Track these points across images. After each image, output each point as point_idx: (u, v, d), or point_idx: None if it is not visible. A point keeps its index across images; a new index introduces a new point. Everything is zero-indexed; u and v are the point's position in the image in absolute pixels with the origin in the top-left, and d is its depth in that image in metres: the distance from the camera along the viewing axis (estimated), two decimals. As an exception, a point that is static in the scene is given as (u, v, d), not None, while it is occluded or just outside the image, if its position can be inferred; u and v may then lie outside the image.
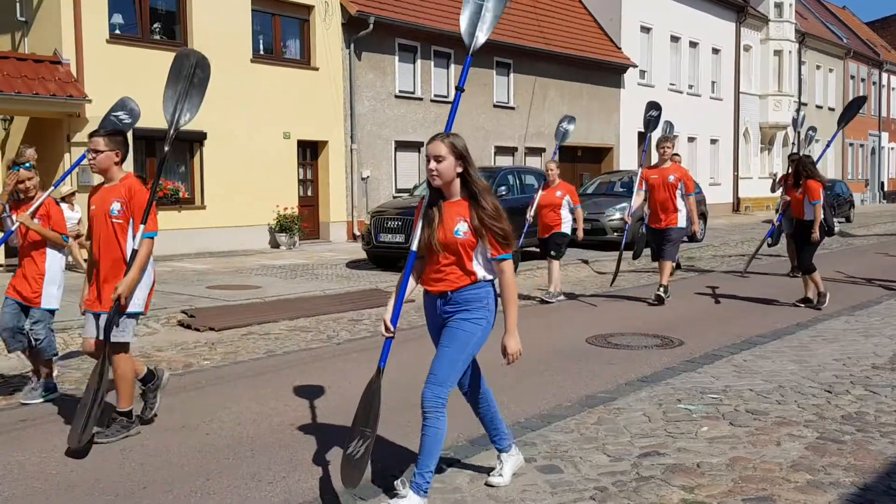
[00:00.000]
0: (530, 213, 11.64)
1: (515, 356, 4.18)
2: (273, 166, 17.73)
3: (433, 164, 4.13)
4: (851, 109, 12.71)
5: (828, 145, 13.91)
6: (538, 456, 4.89)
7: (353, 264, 14.87)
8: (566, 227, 11.26)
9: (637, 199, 10.91)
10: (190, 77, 5.74)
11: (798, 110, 13.41)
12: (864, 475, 4.50)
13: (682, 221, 10.62)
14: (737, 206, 34.74)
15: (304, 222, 18.34)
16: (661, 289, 10.76)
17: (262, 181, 17.45)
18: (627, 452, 4.92)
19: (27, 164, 6.50)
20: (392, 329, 4.28)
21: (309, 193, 19.29)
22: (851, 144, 45.18)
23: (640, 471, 4.62)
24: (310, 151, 19.19)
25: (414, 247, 4.23)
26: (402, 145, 20.81)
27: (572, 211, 11.26)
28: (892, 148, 47.80)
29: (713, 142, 33.38)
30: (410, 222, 13.83)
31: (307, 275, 13.37)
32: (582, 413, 5.77)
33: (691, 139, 32.06)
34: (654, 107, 11.70)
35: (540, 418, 5.67)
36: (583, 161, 27.12)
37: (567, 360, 7.58)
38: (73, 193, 13.62)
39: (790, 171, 11.65)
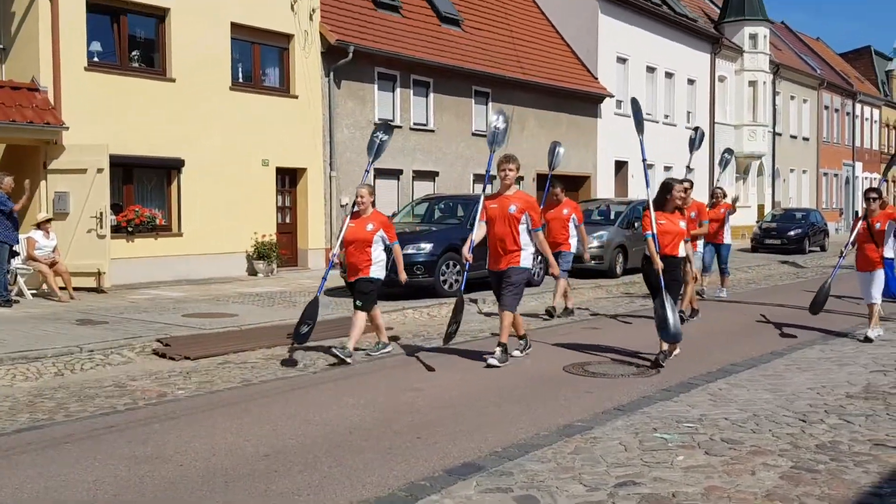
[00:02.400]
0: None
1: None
2: (251, 193, 17.70)
3: None
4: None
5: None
6: (515, 486, 4.88)
7: (331, 292, 14.82)
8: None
9: (478, 232, 8.74)
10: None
11: (696, 128, 13.46)
12: (838, 504, 4.53)
13: (525, 261, 8.62)
14: (713, 234, 34.98)
15: (282, 249, 18.29)
16: (498, 351, 8.54)
17: (240, 208, 17.40)
18: (604, 482, 4.93)
19: None
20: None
21: (287, 220, 19.25)
22: (826, 174, 45.78)
23: (616, 500, 4.62)
24: (288, 179, 19.18)
25: None
26: (381, 173, 20.83)
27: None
28: (866, 177, 48.46)
29: (689, 171, 33.56)
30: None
31: (285, 302, 13.31)
32: (559, 442, 5.77)
33: (667, 168, 32.28)
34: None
35: (517, 447, 5.67)
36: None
37: (545, 388, 7.59)
38: (48, 221, 13.51)
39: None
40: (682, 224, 9.10)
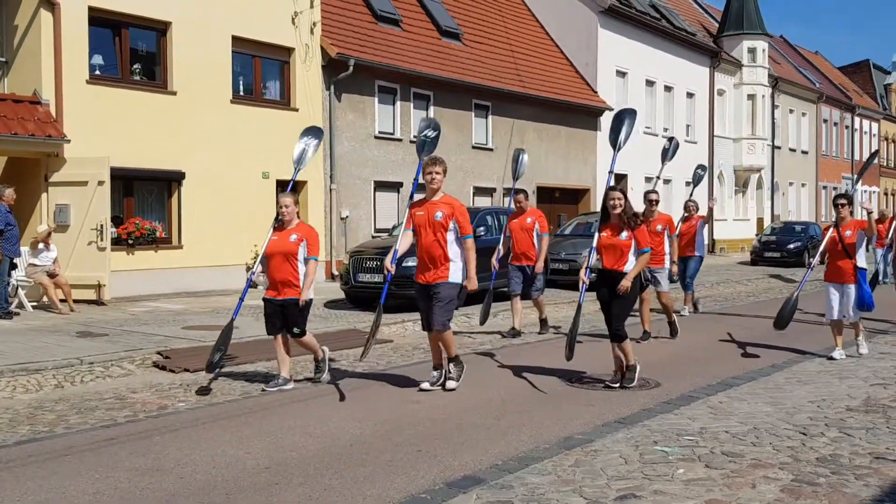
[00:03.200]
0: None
1: None
2: (252, 206, 17.71)
3: None
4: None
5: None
6: (515, 499, 4.88)
7: (332, 304, 14.84)
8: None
9: (404, 241, 8.10)
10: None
11: (671, 139, 12.89)
12: (839, 517, 4.53)
13: (454, 275, 7.89)
14: (712, 247, 35.04)
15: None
16: (451, 368, 8.13)
17: (240, 221, 17.42)
18: (604, 495, 4.93)
19: None
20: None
21: (287, 233, 19.25)
22: (825, 187, 45.85)
23: (617, 514, 4.62)
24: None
25: None
26: (381, 185, 20.89)
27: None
28: (865, 191, 48.53)
29: (688, 184, 33.65)
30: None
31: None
32: (559, 455, 5.77)
33: (667, 181, 32.34)
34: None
35: (517, 460, 5.67)
36: (560, 202, 27.31)
37: (546, 401, 7.59)
38: (49, 234, 13.52)
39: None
40: (624, 236, 7.92)
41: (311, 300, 8.29)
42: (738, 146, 36.92)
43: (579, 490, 5.02)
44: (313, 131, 9.87)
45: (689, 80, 33.80)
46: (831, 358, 9.56)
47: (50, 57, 14.48)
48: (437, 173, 7.87)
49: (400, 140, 21.36)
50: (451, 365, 8.12)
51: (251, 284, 8.77)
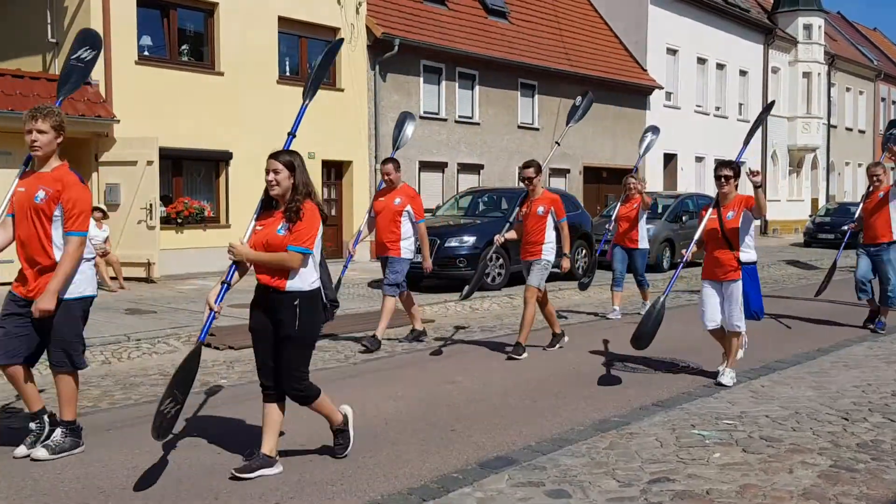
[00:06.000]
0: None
1: None
2: (298, 186, 17.86)
3: None
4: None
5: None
6: (547, 480, 4.86)
7: (375, 284, 14.91)
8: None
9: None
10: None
11: (585, 93, 11.05)
12: (877, 505, 4.44)
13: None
14: (764, 228, 34.46)
15: (326, 241, 18.44)
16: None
17: (286, 201, 17.58)
18: (637, 478, 4.89)
19: None
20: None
21: (333, 213, 19.39)
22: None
23: (649, 497, 4.58)
24: (334, 171, 19.33)
25: None
26: (426, 165, 20.90)
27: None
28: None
29: (741, 164, 33.15)
30: (432, 242, 13.81)
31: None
32: (594, 437, 5.74)
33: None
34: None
35: (551, 442, 5.65)
36: (608, 182, 27.05)
37: (582, 383, 7.55)
38: (101, 210, 13.78)
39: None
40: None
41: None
42: (793, 125, 36.15)
43: (612, 473, 4.99)
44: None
45: (742, 57, 33.15)
46: (719, 384, 7.27)
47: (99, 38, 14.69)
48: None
49: (445, 120, 21.33)
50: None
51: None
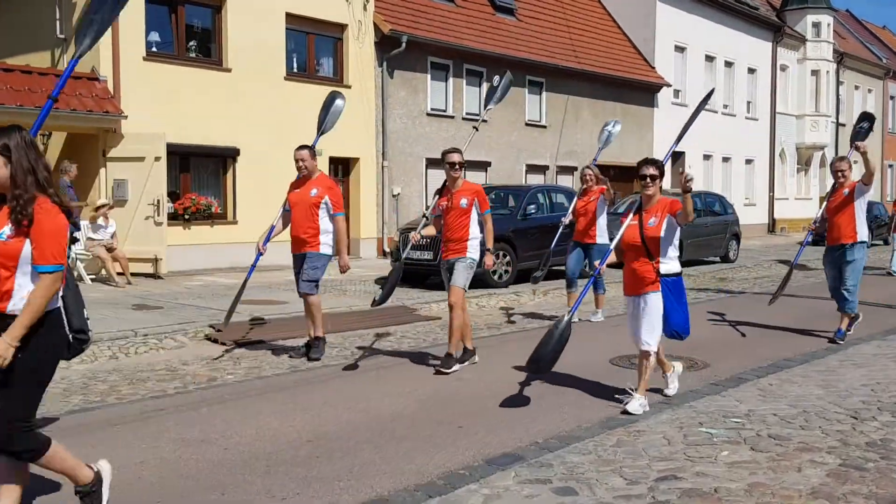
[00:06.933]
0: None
1: None
2: (305, 182, 17.85)
3: None
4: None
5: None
6: (554, 477, 4.85)
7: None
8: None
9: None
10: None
11: (503, 72, 9.81)
12: (886, 503, 4.41)
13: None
14: (772, 226, 34.36)
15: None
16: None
17: (293, 197, 17.59)
18: (644, 476, 4.87)
19: None
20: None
21: (340, 210, 19.39)
22: (891, 166, 44.56)
23: (656, 494, 4.57)
24: (341, 168, 19.32)
25: None
26: (432, 162, 20.86)
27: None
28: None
29: (748, 162, 33.12)
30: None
31: (335, 290, 13.43)
32: (601, 434, 5.72)
33: (726, 159, 31.80)
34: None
35: (558, 439, 5.64)
36: (615, 180, 26.90)
37: (589, 380, 7.52)
38: (108, 206, 13.82)
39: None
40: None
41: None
42: (801, 123, 36.04)
43: (619, 470, 4.97)
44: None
45: (751, 55, 33.04)
46: (625, 412, 6.28)
47: (108, 34, 14.68)
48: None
49: (452, 117, 21.31)
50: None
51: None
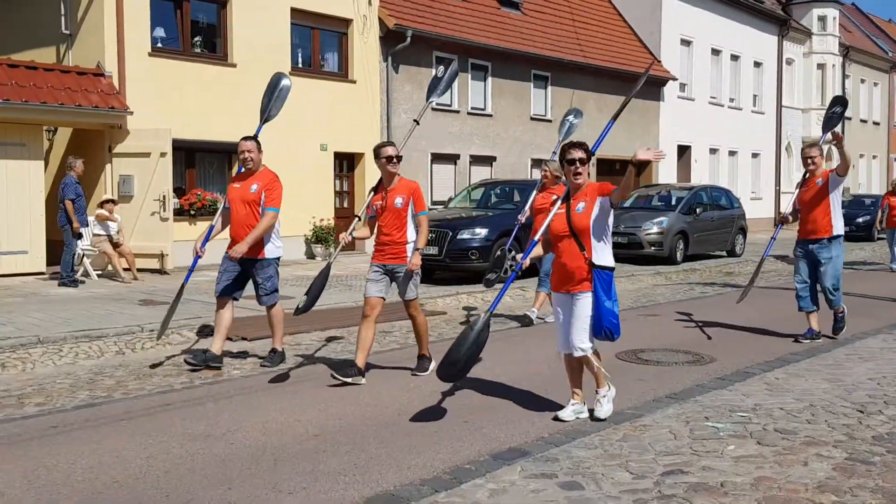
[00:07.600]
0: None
1: None
2: (310, 178, 17.86)
3: None
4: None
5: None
6: (560, 472, 4.85)
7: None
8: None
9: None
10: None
11: (449, 62, 9.23)
12: (892, 497, 4.40)
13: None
14: (778, 220, 34.28)
15: (339, 234, 18.46)
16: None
17: (298, 193, 17.54)
18: (650, 470, 4.87)
19: None
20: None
21: (345, 205, 19.41)
22: (898, 159, 44.43)
23: (662, 489, 4.56)
24: (346, 163, 19.32)
25: None
26: (438, 157, 20.88)
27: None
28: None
29: (754, 156, 33.04)
30: (444, 234, 13.86)
31: (340, 286, 13.43)
32: (607, 429, 5.72)
33: (732, 153, 31.73)
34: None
35: (564, 433, 5.63)
36: (621, 174, 26.94)
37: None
38: (112, 202, 13.84)
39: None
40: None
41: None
42: (807, 117, 35.92)
43: (625, 465, 4.97)
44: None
45: (757, 48, 32.94)
46: (596, 418, 5.95)
47: (113, 29, 14.74)
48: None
49: (457, 112, 21.29)
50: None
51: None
